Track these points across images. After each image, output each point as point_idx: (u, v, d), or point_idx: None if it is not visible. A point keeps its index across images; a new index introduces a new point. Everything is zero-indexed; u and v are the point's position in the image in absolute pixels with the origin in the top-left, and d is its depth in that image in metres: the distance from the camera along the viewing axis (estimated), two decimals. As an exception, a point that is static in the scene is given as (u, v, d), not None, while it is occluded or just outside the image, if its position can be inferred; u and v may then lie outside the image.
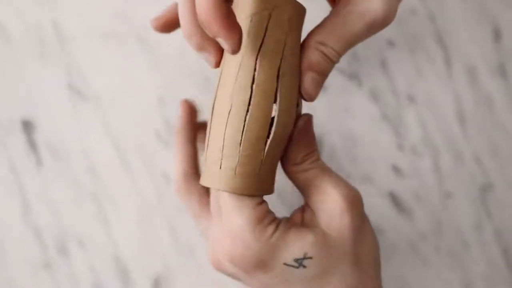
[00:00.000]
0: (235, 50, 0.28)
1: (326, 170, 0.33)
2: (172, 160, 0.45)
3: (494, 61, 0.47)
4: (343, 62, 0.46)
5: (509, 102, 0.46)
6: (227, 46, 0.28)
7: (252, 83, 0.30)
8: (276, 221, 0.32)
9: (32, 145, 0.45)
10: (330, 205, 0.32)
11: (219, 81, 0.32)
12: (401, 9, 0.47)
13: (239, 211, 0.31)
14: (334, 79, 0.46)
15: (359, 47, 0.46)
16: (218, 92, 0.31)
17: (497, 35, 0.47)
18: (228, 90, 0.30)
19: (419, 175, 0.46)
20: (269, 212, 0.32)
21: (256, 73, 0.30)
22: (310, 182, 0.33)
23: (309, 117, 0.33)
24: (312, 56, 0.31)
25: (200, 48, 0.31)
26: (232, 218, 0.31)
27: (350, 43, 0.31)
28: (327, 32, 0.31)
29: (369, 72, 0.46)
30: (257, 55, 0.30)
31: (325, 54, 0.31)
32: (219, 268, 0.33)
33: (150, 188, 0.44)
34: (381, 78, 0.46)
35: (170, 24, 0.38)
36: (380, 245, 0.44)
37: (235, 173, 0.30)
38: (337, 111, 0.46)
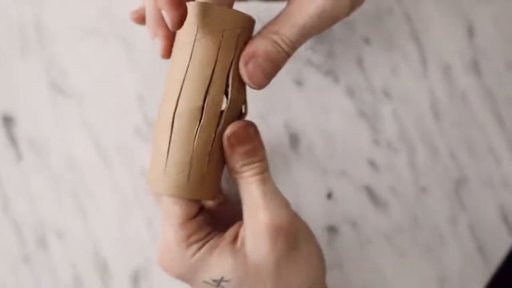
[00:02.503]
0: (175, 26, 0.29)
1: (264, 188, 0.32)
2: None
3: (468, 58, 0.48)
4: (320, 58, 0.47)
5: (483, 98, 0.47)
6: (168, 20, 0.29)
7: (205, 96, 0.31)
8: (203, 241, 0.32)
9: (12, 140, 0.45)
10: (255, 229, 0.31)
11: (165, 89, 0.33)
12: (377, 8, 0.48)
13: (170, 224, 0.32)
14: (311, 75, 0.47)
15: (336, 44, 0.47)
16: (165, 97, 0.33)
17: (471, 32, 0.48)
18: (173, 98, 0.32)
19: (394, 169, 0.46)
20: (198, 229, 0.32)
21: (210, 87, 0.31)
22: (245, 197, 0.32)
23: (243, 125, 0.32)
24: (260, 42, 0.31)
25: (153, 34, 0.32)
26: (164, 230, 0.32)
27: (304, 32, 0.31)
28: (279, 22, 0.31)
29: (345, 68, 0.47)
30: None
31: (275, 42, 0.31)
32: None
33: (128, 183, 0.45)
34: (357, 75, 0.47)
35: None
36: (357, 238, 0.45)
37: (161, 174, 0.31)
38: (314, 107, 0.47)
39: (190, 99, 0.31)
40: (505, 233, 0.46)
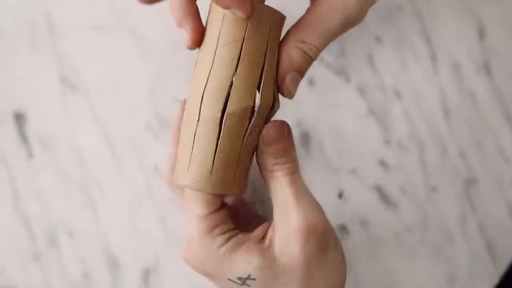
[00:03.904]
0: (249, 14, 0.29)
1: (296, 189, 0.32)
2: (163, 152, 0.45)
3: (479, 58, 0.48)
4: (331, 57, 0.47)
5: (493, 99, 0.47)
6: (241, 14, 0.29)
7: (229, 92, 0.31)
8: (229, 234, 0.32)
9: (23, 137, 0.45)
10: (286, 229, 0.31)
11: (192, 82, 0.32)
12: (388, 6, 0.48)
13: (194, 217, 0.32)
14: (322, 74, 0.47)
15: (347, 42, 0.47)
16: (191, 91, 0.32)
17: (482, 33, 0.48)
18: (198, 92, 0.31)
19: (405, 169, 0.46)
20: (223, 222, 0.32)
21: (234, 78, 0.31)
22: (277, 197, 0.32)
23: (280, 124, 0.32)
24: (293, 54, 0.32)
25: (179, 24, 0.32)
26: (189, 222, 0.32)
27: (328, 39, 0.32)
28: (306, 30, 0.32)
29: (356, 67, 0.47)
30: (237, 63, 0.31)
31: (305, 52, 0.32)
32: None
33: (139, 179, 0.45)
34: (368, 74, 0.47)
35: None
36: (367, 237, 0.45)
37: (187, 168, 0.31)
38: (325, 106, 0.47)
39: (243, 98, 0.31)
40: (513, 233, 0.47)
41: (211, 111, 0.31)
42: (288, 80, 0.32)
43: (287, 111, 0.46)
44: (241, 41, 0.30)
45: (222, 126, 0.31)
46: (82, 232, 0.45)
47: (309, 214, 0.31)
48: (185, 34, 0.31)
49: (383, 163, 0.46)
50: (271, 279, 0.31)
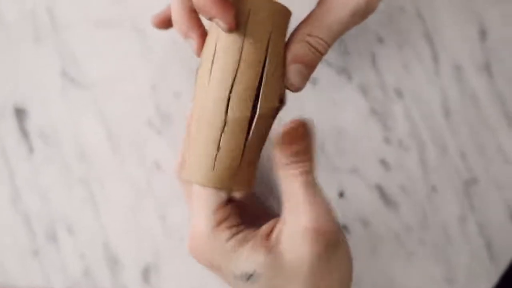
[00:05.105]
0: (231, 27, 0.29)
1: (309, 189, 0.32)
2: (165, 148, 0.45)
3: (480, 59, 0.48)
4: (333, 56, 0.47)
5: (494, 100, 0.48)
6: (223, 25, 0.29)
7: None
8: (236, 229, 0.32)
9: (24, 132, 0.45)
10: (296, 227, 0.31)
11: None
12: (390, 6, 0.48)
13: (202, 210, 0.32)
14: (324, 73, 0.47)
15: (349, 42, 0.47)
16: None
17: (483, 34, 0.48)
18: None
19: (405, 168, 0.46)
20: (231, 217, 0.32)
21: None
22: (289, 194, 0.32)
23: (296, 125, 0.32)
24: (298, 47, 0.32)
25: (185, 35, 0.33)
26: (196, 216, 0.32)
27: (337, 32, 0.32)
28: (313, 23, 0.32)
29: (358, 66, 0.47)
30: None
31: (311, 45, 0.31)
32: None
33: (140, 175, 0.45)
34: (370, 73, 0.47)
35: (168, 21, 0.40)
36: (367, 237, 0.45)
37: (212, 169, 0.31)
38: (326, 105, 0.47)
39: (271, 99, 0.31)
40: (512, 234, 0.47)
41: (240, 112, 0.30)
42: (290, 72, 0.32)
43: (288, 109, 0.46)
44: (267, 42, 0.30)
45: (252, 127, 0.31)
46: (82, 229, 0.44)
47: (320, 217, 0.31)
48: (192, 43, 0.32)
49: (383, 163, 0.46)
50: (276, 276, 0.31)
